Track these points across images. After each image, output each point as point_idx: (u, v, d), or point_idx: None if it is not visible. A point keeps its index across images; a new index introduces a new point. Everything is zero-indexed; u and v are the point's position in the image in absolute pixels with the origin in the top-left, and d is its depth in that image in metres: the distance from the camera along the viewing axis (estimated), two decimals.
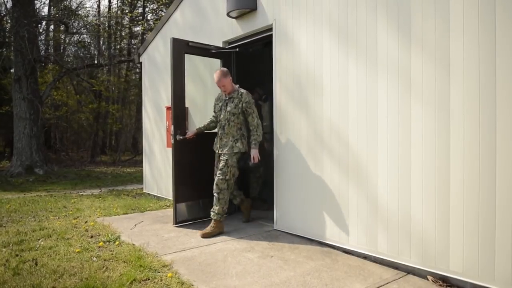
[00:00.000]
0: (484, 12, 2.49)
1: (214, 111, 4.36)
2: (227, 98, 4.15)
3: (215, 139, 4.27)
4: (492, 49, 2.46)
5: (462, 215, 2.62)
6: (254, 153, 4.07)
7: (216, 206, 4.06)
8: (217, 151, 4.23)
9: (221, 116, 4.15)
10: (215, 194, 4.07)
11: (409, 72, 2.94)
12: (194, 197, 4.66)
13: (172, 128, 4.42)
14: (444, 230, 2.73)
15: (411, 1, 2.91)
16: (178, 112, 4.51)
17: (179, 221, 4.52)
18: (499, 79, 2.43)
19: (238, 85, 4.25)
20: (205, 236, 3.97)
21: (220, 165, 4.08)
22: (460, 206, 2.63)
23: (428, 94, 2.82)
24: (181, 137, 4.45)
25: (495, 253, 2.46)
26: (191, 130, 4.53)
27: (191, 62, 4.89)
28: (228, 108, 4.10)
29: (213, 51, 4.87)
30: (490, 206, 2.48)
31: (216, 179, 4.08)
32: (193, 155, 4.59)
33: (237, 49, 4.91)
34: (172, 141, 4.43)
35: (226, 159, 4.05)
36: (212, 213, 4.08)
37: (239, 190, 4.58)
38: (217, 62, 4.99)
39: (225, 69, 4.16)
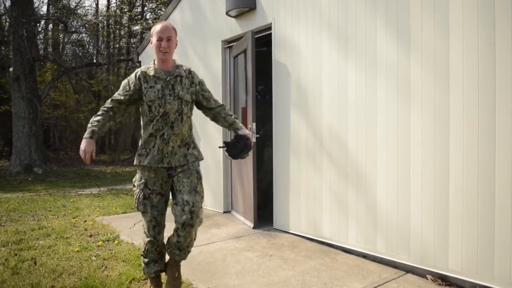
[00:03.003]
0: (484, 17, 2.49)
1: (134, 97, 2.47)
2: (171, 76, 2.46)
3: (154, 146, 2.44)
4: (492, 54, 2.46)
5: (461, 214, 2.63)
6: (250, 134, 2.63)
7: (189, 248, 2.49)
8: (163, 165, 2.45)
9: (168, 107, 2.42)
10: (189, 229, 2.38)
11: (408, 78, 2.94)
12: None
13: (253, 125, 4.26)
14: (443, 229, 2.73)
15: (410, 6, 2.91)
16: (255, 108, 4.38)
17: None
18: (498, 83, 2.43)
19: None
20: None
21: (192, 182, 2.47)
22: (459, 205, 2.64)
23: (427, 99, 2.82)
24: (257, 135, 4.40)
25: (495, 252, 2.46)
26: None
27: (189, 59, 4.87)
28: (180, 93, 2.47)
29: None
30: (489, 205, 2.49)
31: (189, 208, 2.36)
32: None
33: (265, 48, 4.88)
34: (254, 140, 4.13)
35: (198, 171, 2.55)
36: (177, 257, 2.48)
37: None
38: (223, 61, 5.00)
39: None
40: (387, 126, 3.09)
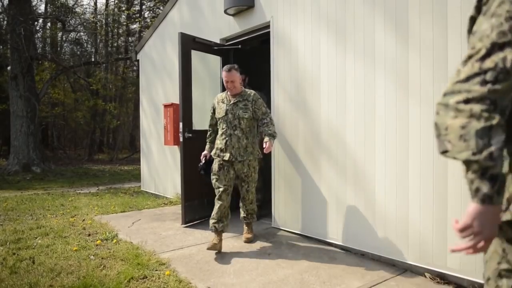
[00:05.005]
0: None
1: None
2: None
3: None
4: None
5: (459, 212, 2.63)
6: None
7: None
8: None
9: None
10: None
11: (406, 72, 2.93)
12: (201, 196, 4.54)
13: (180, 125, 4.28)
14: (441, 227, 2.73)
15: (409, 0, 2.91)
16: (186, 109, 4.38)
17: (187, 221, 4.42)
18: None
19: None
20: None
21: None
22: (458, 203, 2.64)
23: (425, 93, 2.81)
24: (190, 135, 4.34)
25: None
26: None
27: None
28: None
29: (215, 47, 4.84)
30: None
31: None
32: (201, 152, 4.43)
33: (239, 46, 4.88)
34: (181, 139, 4.29)
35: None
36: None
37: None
38: (216, 60, 4.97)
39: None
40: (385, 121, 3.09)
